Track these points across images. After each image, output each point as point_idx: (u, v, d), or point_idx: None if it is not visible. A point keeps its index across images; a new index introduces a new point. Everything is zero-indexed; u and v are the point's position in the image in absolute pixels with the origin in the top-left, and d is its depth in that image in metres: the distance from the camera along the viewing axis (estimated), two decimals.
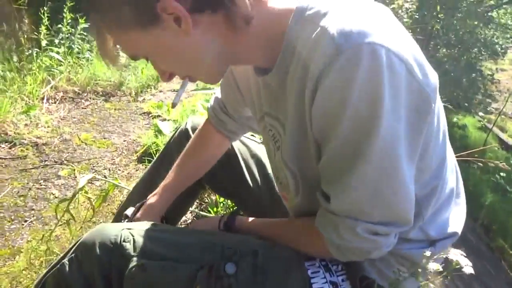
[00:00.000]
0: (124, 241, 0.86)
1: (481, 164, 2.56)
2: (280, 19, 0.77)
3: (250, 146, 1.39)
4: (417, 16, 4.65)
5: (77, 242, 0.91)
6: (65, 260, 0.89)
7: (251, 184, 1.34)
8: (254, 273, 0.85)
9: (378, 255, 0.82)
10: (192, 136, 1.31)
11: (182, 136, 1.38)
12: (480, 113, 6.04)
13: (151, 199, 1.21)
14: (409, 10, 4.73)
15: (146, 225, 0.94)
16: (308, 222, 0.89)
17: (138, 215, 1.17)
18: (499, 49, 5.55)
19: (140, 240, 0.86)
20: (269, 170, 1.34)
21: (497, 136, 5.65)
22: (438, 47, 5.09)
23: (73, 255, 0.89)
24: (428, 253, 0.81)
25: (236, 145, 1.38)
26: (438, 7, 4.78)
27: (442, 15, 4.79)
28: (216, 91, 1.26)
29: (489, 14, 5.64)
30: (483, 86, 5.70)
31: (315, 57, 0.69)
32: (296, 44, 0.76)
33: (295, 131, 0.83)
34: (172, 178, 1.24)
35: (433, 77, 0.73)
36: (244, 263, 0.86)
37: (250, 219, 1.11)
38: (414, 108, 0.70)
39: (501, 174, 4.91)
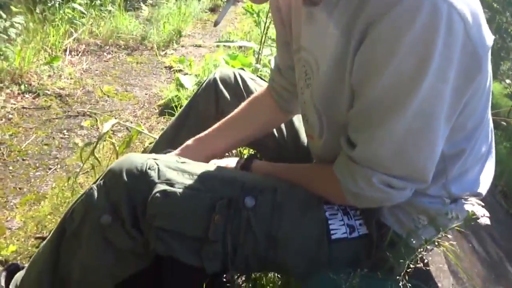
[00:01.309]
0: (149, 168, 0.88)
1: (504, 123, 2.50)
2: None
3: None
4: None
5: (105, 170, 0.93)
6: (94, 186, 0.91)
7: (276, 135, 1.32)
8: (272, 208, 0.87)
9: (390, 204, 0.84)
10: (247, 101, 1.25)
11: (210, 87, 1.36)
12: (508, 80, 5.86)
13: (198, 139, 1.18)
14: None
15: (170, 157, 0.96)
16: (326, 167, 0.89)
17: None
18: None
19: (164, 169, 0.88)
20: (296, 123, 1.33)
21: None
22: None
23: (101, 181, 0.91)
24: (453, 214, 0.80)
25: None
26: None
27: None
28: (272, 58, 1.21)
29: None
30: None
31: (371, 1, 0.67)
32: None
33: (331, 71, 0.81)
34: (222, 140, 1.20)
35: (489, 38, 0.71)
36: (263, 198, 0.87)
37: (268, 163, 1.11)
38: (464, 70, 0.68)
39: None
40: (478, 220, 0.82)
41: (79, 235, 0.91)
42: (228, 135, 1.21)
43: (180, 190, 0.85)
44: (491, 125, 0.93)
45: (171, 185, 0.86)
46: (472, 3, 0.68)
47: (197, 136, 1.19)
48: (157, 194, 0.84)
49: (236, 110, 1.23)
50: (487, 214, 0.83)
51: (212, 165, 0.98)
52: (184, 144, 1.18)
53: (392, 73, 0.67)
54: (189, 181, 0.88)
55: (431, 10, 0.62)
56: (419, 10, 0.62)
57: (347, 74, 0.76)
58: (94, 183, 0.93)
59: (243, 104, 1.24)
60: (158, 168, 0.88)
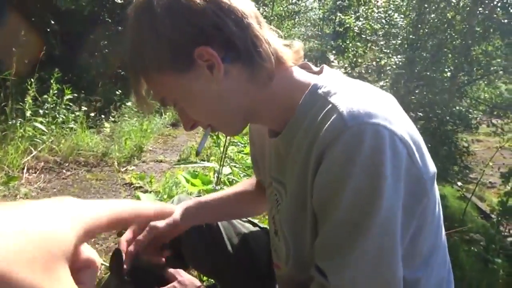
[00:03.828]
0: None
1: (456, 238, 2.60)
2: (298, 90, 0.83)
3: (235, 224, 1.38)
4: (393, 91, 4.85)
5: None
6: None
7: (235, 264, 1.31)
8: None
9: None
10: (243, 187, 1.34)
11: None
12: (459, 183, 6.13)
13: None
14: (384, 87, 4.95)
15: None
16: None
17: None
18: (473, 122, 5.75)
19: None
20: (255, 251, 1.32)
21: (476, 205, 5.71)
22: (416, 117, 5.26)
23: None
24: None
25: (222, 223, 1.35)
26: (415, 84, 5.01)
27: (418, 90, 5.01)
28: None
29: (463, 88, 5.90)
30: (460, 157, 5.84)
31: (323, 130, 0.73)
32: (306, 115, 0.80)
33: (295, 199, 0.84)
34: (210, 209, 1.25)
35: (432, 168, 0.76)
36: None
37: None
38: (410, 192, 0.72)
39: (481, 243, 4.92)
40: None
41: None
42: (223, 211, 1.29)
43: None
44: (447, 251, 0.94)
45: None
46: (413, 133, 0.75)
47: (198, 199, 1.23)
48: None
49: (231, 192, 1.32)
50: None
51: None
52: (185, 205, 1.19)
53: (351, 193, 0.70)
54: None
55: (374, 135, 0.68)
56: (363, 135, 0.68)
57: (308, 199, 0.79)
58: None
59: (240, 188, 1.34)
60: None
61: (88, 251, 0.36)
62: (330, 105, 0.75)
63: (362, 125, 0.69)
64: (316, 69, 0.92)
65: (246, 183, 1.36)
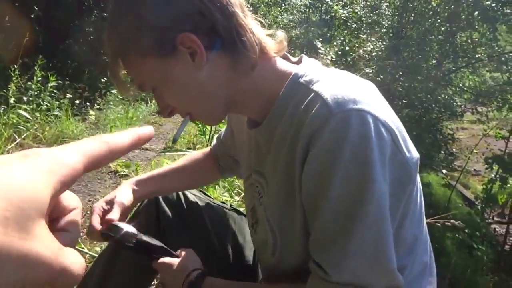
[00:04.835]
0: None
1: (439, 225, 2.63)
2: (280, 80, 0.83)
3: (220, 212, 1.36)
4: (378, 79, 4.86)
5: None
6: None
7: (221, 254, 1.29)
8: None
9: None
10: (189, 159, 1.33)
11: (151, 205, 1.31)
12: (444, 171, 6.20)
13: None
14: (370, 74, 4.96)
15: None
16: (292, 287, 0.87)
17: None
18: (458, 110, 5.80)
19: None
20: (240, 240, 1.32)
21: (461, 192, 5.79)
22: (402, 105, 5.28)
23: None
24: None
25: (207, 212, 1.33)
26: (400, 72, 5.03)
27: (403, 78, 5.03)
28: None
29: (448, 76, 5.93)
30: (445, 145, 5.90)
31: (308, 119, 0.73)
32: (288, 104, 0.80)
33: (282, 192, 0.83)
34: (154, 184, 1.23)
35: (415, 153, 0.77)
36: None
37: (224, 281, 1.05)
38: (396, 178, 0.72)
39: (466, 231, 4.99)
40: None
41: None
42: (171, 182, 1.26)
43: None
44: (428, 239, 0.95)
45: None
46: (395, 119, 0.75)
47: (139, 178, 1.20)
48: None
49: (180, 164, 1.29)
50: None
51: None
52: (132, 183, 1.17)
53: (341, 182, 0.69)
54: None
55: (359, 121, 0.69)
56: (349, 121, 0.69)
57: (297, 190, 0.78)
58: None
59: (186, 161, 1.30)
60: None
61: (68, 198, 0.34)
62: (313, 93, 0.75)
63: (347, 112, 0.70)
64: (294, 59, 0.92)
65: (189, 159, 1.35)
